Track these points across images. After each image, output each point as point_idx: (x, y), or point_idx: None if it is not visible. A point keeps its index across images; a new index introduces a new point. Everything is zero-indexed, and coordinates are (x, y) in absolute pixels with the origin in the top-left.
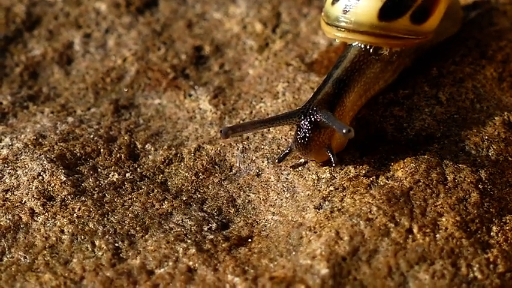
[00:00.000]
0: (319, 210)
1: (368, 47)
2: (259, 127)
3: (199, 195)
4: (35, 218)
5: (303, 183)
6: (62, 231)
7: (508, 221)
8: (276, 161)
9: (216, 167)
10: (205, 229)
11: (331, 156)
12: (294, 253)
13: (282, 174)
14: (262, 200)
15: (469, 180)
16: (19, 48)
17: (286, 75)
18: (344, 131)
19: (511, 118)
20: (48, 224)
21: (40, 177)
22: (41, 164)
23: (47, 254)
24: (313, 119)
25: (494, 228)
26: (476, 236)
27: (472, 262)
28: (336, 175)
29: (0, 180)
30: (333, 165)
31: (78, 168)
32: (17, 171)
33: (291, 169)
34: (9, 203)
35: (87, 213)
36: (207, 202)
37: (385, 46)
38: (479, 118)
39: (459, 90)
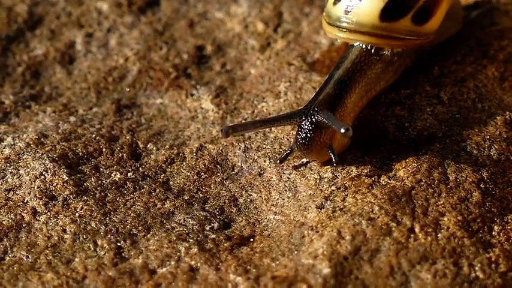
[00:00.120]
0: (321, 209)
1: (369, 48)
2: (260, 127)
3: (201, 195)
4: (37, 218)
5: (305, 183)
6: (64, 231)
7: (509, 220)
8: (278, 161)
9: (218, 166)
10: (207, 228)
11: (332, 156)
12: (296, 252)
13: (284, 173)
14: (264, 199)
15: (470, 180)
16: (21, 47)
17: (288, 75)
18: (342, 130)
19: None
20: (50, 224)
21: (42, 177)
22: (43, 164)
23: (49, 253)
24: (314, 119)
25: (495, 227)
26: (478, 236)
27: (474, 261)
28: (338, 175)
29: (2, 180)
30: (334, 165)
31: (80, 167)
32: (19, 170)
33: (293, 169)
34: (12, 203)
35: (89, 213)
36: (209, 201)
37: (387, 47)
38: (481, 118)
39: (461, 90)
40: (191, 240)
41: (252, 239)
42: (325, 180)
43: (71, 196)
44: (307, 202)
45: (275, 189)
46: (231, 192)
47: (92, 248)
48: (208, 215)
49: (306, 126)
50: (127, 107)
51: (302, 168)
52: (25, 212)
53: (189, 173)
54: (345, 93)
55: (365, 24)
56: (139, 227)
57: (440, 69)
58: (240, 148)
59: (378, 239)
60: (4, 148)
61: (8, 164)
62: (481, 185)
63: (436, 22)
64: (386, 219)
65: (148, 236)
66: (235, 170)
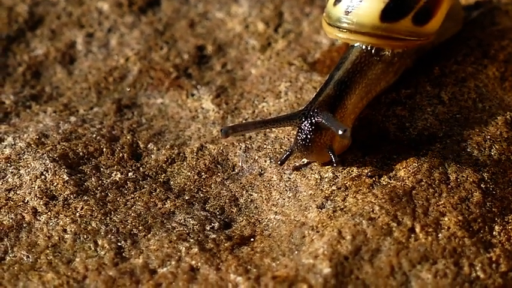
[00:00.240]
0: (321, 209)
1: (370, 48)
2: (260, 128)
3: (201, 195)
4: (38, 217)
5: (306, 183)
6: (65, 231)
7: (510, 220)
8: (278, 162)
9: (219, 166)
10: (208, 228)
11: (332, 157)
12: (296, 252)
13: (284, 173)
14: (265, 199)
15: (471, 180)
16: (21, 47)
17: (288, 75)
18: (340, 131)
19: None
20: (50, 223)
21: (43, 177)
22: (44, 164)
23: (49, 253)
24: (314, 120)
25: (496, 227)
26: (479, 236)
27: (475, 261)
28: (338, 175)
29: (3, 180)
30: (334, 165)
31: (80, 167)
32: (19, 170)
33: (294, 169)
34: (12, 202)
35: (89, 213)
36: (209, 201)
37: (387, 47)
38: (482, 118)
39: (461, 90)
40: (192, 240)
41: (252, 239)
42: (326, 180)
43: (72, 196)
44: (308, 202)
45: (276, 189)
46: (232, 192)
47: (93, 248)
48: (208, 214)
49: (306, 128)
50: (127, 107)
51: (303, 168)
52: (25, 211)
53: (189, 173)
54: (345, 94)
55: (365, 25)
56: (140, 227)
57: (441, 69)
58: (240, 148)
59: (378, 239)
60: (5, 148)
61: (9, 164)
62: (481, 185)
63: (437, 23)
64: (387, 219)
65: (149, 235)
66: (236, 170)
